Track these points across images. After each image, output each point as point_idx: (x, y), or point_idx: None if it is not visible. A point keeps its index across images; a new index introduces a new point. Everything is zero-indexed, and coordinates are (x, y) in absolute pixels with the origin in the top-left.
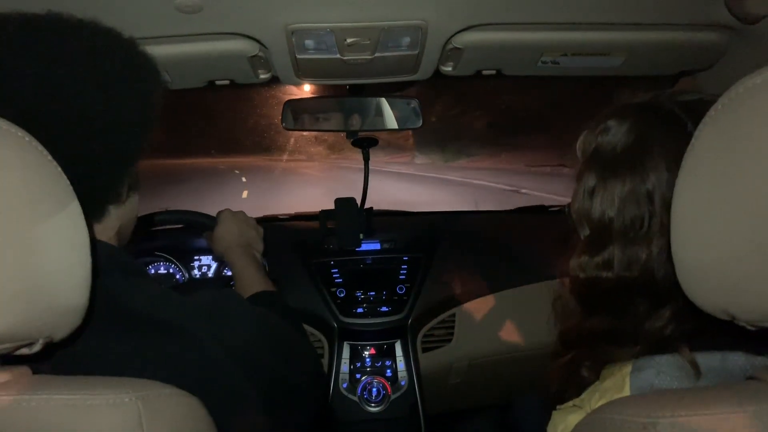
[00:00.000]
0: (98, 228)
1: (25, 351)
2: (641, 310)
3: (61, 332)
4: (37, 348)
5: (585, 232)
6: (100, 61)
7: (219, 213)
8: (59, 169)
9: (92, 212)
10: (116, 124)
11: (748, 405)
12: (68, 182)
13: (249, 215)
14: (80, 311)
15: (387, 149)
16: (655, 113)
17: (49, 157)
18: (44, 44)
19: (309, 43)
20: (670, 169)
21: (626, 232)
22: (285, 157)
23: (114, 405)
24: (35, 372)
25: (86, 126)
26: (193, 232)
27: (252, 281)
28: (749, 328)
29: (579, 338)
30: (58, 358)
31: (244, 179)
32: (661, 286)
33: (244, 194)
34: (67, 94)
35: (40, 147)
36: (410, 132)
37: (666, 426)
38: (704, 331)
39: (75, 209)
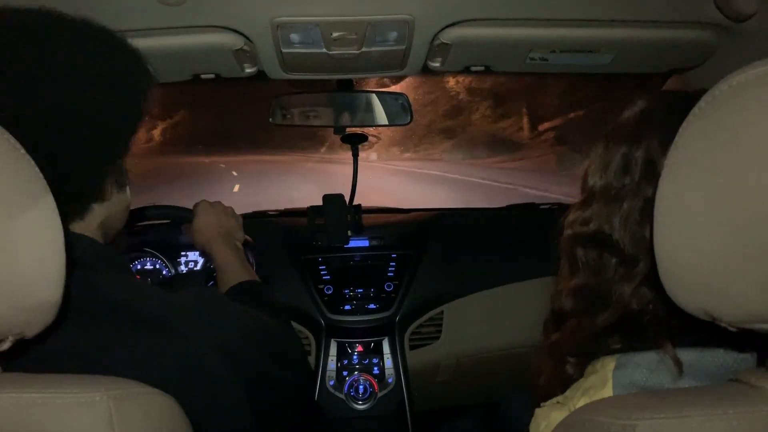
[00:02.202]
0: (81, 224)
1: None
2: (614, 270)
3: (32, 329)
4: (6, 345)
5: (582, 193)
6: (93, 61)
7: (196, 205)
8: (32, 163)
9: (75, 209)
10: (104, 125)
11: (729, 408)
12: (42, 177)
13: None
14: (53, 308)
15: (493, 147)
16: (676, 97)
17: (22, 151)
18: (37, 42)
19: (295, 37)
20: (660, 141)
21: (609, 190)
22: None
23: (85, 404)
24: (6, 369)
25: (74, 125)
26: (177, 227)
27: (235, 271)
28: (730, 329)
29: (563, 301)
30: (38, 351)
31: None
32: (628, 246)
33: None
34: (58, 94)
35: (13, 140)
36: (525, 121)
37: (645, 428)
38: (685, 326)
39: (48, 204)
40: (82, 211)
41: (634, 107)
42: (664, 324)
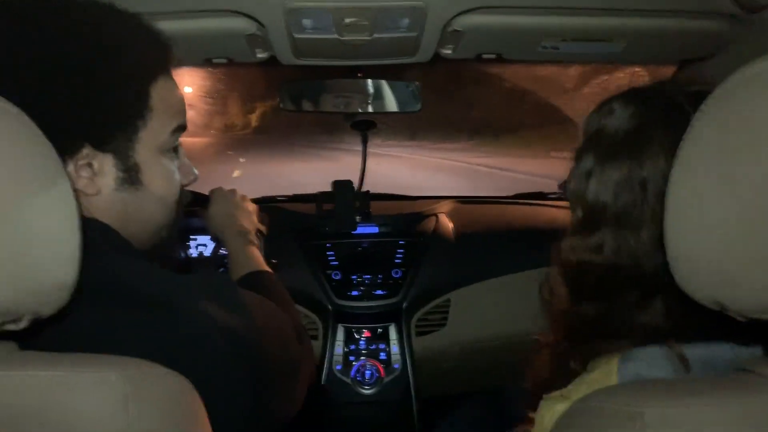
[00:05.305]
0: (96, 206)
1: (11, 327)
2: (631, 299)
3: (48, 309)
4: (23, 324)
5: (579, 213)
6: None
7: (212, 191)
8: (49, 143)
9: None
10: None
11: (737, 396)
12: (58, 158)
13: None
14: (68, 288)
15: None
16: (661, 102)
17: (39, 132)
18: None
19: (307, 22)
20: (668, 160)
21: (618, 217)
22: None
23: (100, 383)
24: (22, 348)
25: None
26: (189, 211)
27: (246, 261)
28: (739, 319)
29: (568, 325)
30: (51, 331)
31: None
32: (649, 276)
33: None
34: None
35: (30, 123)
36: None
37: (653, 416)
38: (693, 322)
39: (64, 185)
40: (72, 147)
41: (623, 113)
42: (671, 321)
